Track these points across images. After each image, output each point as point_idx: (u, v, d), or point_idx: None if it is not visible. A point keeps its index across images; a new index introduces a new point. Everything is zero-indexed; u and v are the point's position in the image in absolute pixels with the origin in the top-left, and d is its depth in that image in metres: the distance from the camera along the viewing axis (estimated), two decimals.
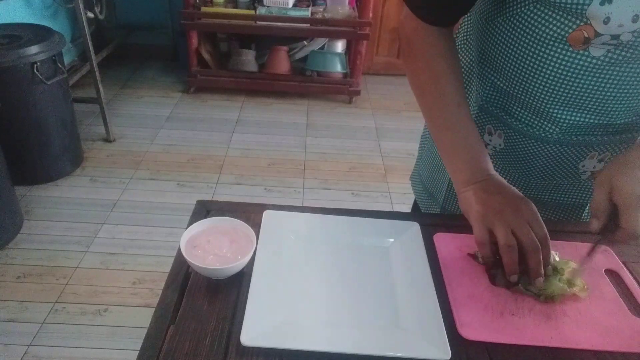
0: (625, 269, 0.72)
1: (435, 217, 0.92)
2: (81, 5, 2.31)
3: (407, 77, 0.77)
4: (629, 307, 0.66)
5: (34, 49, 2.00)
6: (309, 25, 2.96)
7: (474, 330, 0.60)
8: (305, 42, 3.24)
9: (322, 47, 3.22)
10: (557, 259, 0.68)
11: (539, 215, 0.64)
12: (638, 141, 0.65)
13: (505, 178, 0.82)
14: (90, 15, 2.87)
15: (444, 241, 0.74)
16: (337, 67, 3.17)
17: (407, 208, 1.13)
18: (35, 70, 2.00)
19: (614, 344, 0.60)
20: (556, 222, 0.84)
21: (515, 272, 0.63)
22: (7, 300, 1.72)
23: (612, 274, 0.72)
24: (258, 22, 2.93)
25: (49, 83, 2.06)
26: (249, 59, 3.13)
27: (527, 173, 0.81)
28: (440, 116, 0.73)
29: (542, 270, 0.62)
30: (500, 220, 0.63)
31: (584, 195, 0.83)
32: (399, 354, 0.57)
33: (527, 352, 0.59)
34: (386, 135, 2.94)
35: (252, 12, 2.91)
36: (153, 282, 1.84)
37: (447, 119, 0.72)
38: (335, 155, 2.70)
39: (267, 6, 2.88)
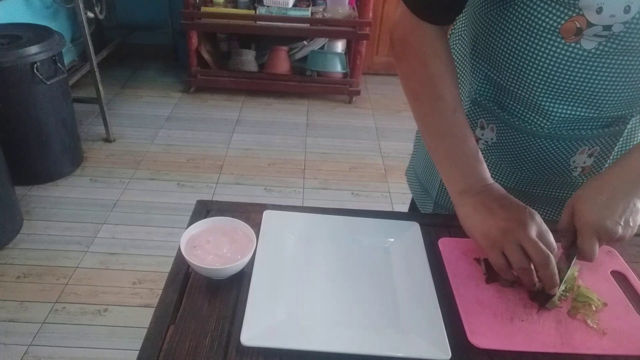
0: (630, 270, 0.72)
1: (435, 217, 0.92)
2: (81, 5, 2.31)
3: (401, 80, 0.74)
4: (636, 309, 0.66)
5: (34, 49, 2.00)
6: (309, 25, 2.96)
7: (484, 338, 0.60)
8: (305, 42, 3.24)
9: (322, 47, 3.22)
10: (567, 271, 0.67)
11: (544, 224, 0.63)
12: (609, 165, 0.67)
13: (496, 172, 0.82)
14: (90, 15, 2.87)
15: (449, 246, 0.74)
16: (337, 67, 3.17)
17: (407, 208, 1.13)
18: (35, 70, 2.00)
19: (625, 347, 0.60)
20: (554, 222, 0.84)
21: (534, 286, 0.64)
22: (7, 300, 1.72)
23: (618, 275, 0.72)
24: (258, 22, 2.93)
25: (49, 83, 2.06)
26: (249, 59, 3.13)
27: (518, 167, 0.81)
28: (435, 122, 0.71)
29: (557, 279, 0.61)
30: (508, 241, 0.61)
31: (575, 190, 0.83)
32: (399, 354, 0.57)
33: (538, 358, 0.59)
34: (386, 135, 2.94)
35: (252, 12, 2.91)
36: (153, 282, 1.84)
37: (442, 125, 0.71)
38: (335, 155, 2.70)
39: (267, 6, 2.87)
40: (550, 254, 0.60)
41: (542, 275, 0.62)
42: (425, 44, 0.70)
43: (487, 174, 0.69)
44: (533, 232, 0.61)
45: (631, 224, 0.64)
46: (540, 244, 0.61)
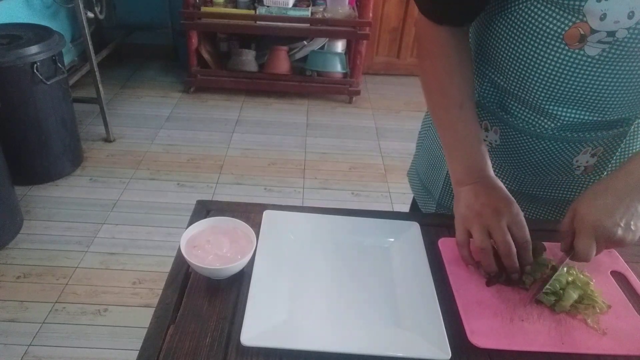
0: (630, 270, 0.72)
1: (435, 217, 0.92)
2: (81, 5, 2.31)
3: (419, 75, 0.79)
4: (636, 309, 0.66)
5: (34, 49, 2.00)
6: (309, 25, 2.96)
7: (484, 338, 0.60)
8: (305, 42, 3.24)
9: (322, 47, 3.22)
10: (581, 275, 0.67)
11: (521, 217, 0.66)
12: (613, 172, 0.67)
13: (500, 174, 0.84)
14: (90, 15, 2.87)
15: (449, 246, 0.74)
16: (337, 67, 3.17)
17: (407, 208, 1.13)
18: (35, 70, 2.00)
19: (625, 347, 0.60)
20: (556, 222, 0.84)
21: (492, 270, 0.67)
22: (7, 300, 1.72)
23: (618, 275, 0.72)
24: (258, 22, 2.93)
25: (49, 83, 2.06)
26: (249, 59, 3.13)
27: (522, 169, 0.82)
28: (443, 115, 0.75)
29: (517, 266, 0.65)
30: (477, 223, 0.66)
31: (578, 191, 0.84)
32: (399, 354, 0.57)
33: (538, 358, 0.59)
34: (386, 135, 2.94)
35: (252, 12, 2.91)
36: (153, 282, 1.84)
37: (448, 118, 0.74)
38: (335, 155, 2.70)
39: (267, 6, 2.87)
40: (512, 246, 0.64)
41: (505, 263, 0.65)
42: (434, 43, 0.73)
43: (487, 166, 0.71)
44: (504, 222, 0.65)
45: (632, 227, 0.64)
46: (507, 235, 0.64)
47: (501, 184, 0.70)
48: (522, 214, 0.66)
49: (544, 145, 0.76)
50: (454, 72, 0.72)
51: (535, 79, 0.70)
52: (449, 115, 0.73)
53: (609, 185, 0.65)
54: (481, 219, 0.66)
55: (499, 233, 0.64)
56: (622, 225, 0.63)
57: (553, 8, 0.62)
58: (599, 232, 0.63)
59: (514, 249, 0.64)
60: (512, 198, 0.68)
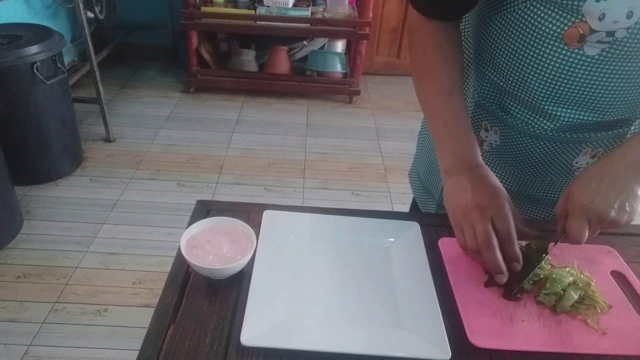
0: (630, 270, 0.72)
1: (435, 217, 0.92)
2: (81, 5, 2.31)
3: (410, 66, 0.79)
4: (636, 309, 0.66)
5: (34, 49, 2.00)
6: (309, 25, 2.96)
7: (484, 338, 0.60)
8: (305, 42, 3.24)
9: (322, 47, 3.22)
10: (581, 275, 0.67)
11: (505, 209, 0.64)
12: (609, 153, 0.66)
13: (500, 174, 0.83)
14: (90, 15, 2.87)
15: (449, 246, 0.74)
16: (337, 67, 3.17)
17: (407, 208, 1.13)
18: (35, 70, 2.00)
19: (625, 347, 0.60)
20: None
21: (486, 267, 0.67)
22: (7, 300, 1.72)
23: (618, 275, 0.72)
24: (258, 22, 2.93)
25: (49, 83, 2.06)
26: (249, 59, 3.13)
27: (522, 169, 0.81)
28: (432, 104, 0.75)
29: (499, 265, 0.62)
30: (465, 222, 0.65)
31: None
32: (399, 354, 0.57)
33: (538, 358, 0.59)
34: (386, 135, 2.94)
35: (252, 12, 2.92)
36: (153, 282, 1.84)
37: (436, 107, 0.74)
38: (335, 155, 2.70)
39: (267, 6, 2.88)
40: (492, 238, 0.62)
41: (484, 257, 0.63)
42: (426, 33, 0.73)
43: (475, 155, 0.70)
44: (487, 215, 0.63)
45: (627, 209, 0.63)
46: (488, 228, 0.63)
47: (490, 173, 0.68)
48: (507, 206, 0.64)
49: (544, 146, 0.76)
50: (445, 61, 0.72)
51: (534, 79, 0.70)
52: (438, 102, 0.73)
53: (604, 167, 0.64)
54: (468, 217, 0.65)
55: (481, 228, 0.63)
56: (615, 207, 0.62)
57: (552, 8, 0.62)
58: (590, 214, 0.63)
59: (494, 241, 0.62)
60: (501, 189, 0.66)
